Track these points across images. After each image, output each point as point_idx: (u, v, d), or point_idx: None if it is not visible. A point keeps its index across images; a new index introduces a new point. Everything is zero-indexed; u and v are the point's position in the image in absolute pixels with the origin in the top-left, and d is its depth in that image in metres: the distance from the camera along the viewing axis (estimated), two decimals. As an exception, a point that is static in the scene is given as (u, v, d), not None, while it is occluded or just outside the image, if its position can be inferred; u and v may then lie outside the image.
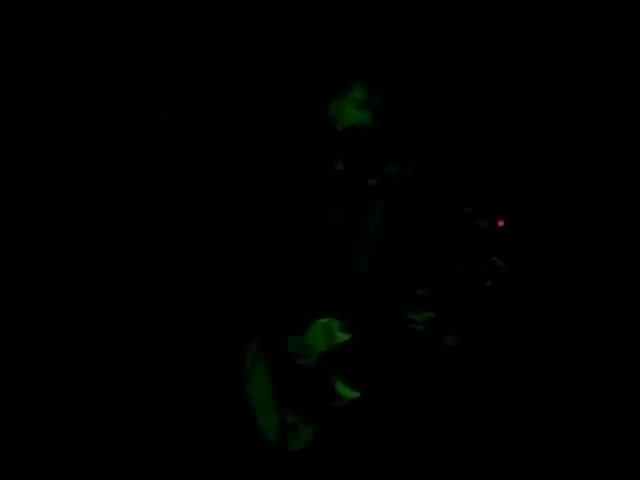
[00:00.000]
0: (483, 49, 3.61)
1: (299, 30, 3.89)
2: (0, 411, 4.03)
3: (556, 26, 3.55)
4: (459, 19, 3.68)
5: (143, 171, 4.10)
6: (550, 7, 3.61)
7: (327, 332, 2.81)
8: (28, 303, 4.09)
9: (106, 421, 4.05)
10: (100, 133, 4.06)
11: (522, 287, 3.41)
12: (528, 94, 3.59)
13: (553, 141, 3.58)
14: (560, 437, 3.74)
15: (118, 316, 4.12)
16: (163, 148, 4.10)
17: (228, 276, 4.04)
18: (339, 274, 2.86)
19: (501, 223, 3.16)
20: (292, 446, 2.84)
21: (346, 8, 3.84)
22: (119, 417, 4.05)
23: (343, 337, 2.79)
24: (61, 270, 4.12)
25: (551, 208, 3.54)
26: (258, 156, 3.93)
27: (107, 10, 3.98)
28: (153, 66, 4.02)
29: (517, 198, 3.54)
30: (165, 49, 4.02)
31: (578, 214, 3.53)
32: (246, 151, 4.02)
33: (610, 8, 3.59)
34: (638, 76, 3.59)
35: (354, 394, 2.78)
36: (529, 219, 3.51)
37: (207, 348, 4.09)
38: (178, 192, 4.14)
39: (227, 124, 4.09)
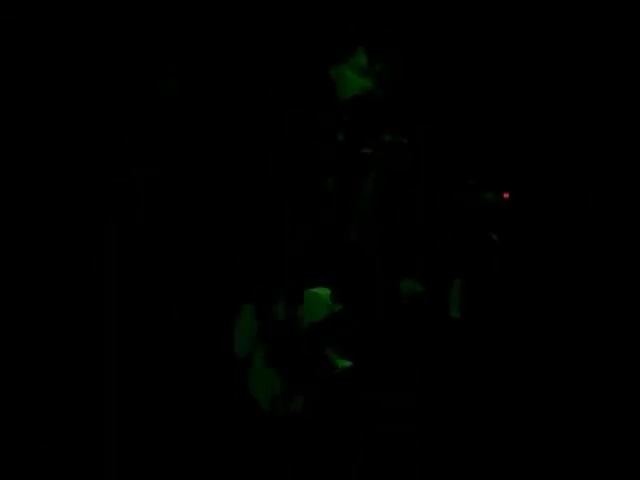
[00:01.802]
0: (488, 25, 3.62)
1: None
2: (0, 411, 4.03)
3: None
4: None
5: (143, 171, 4.12)
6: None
7: (319, 301, 2.81)
8: (28, 303, 4.09)
9: (106, 418, 4.03)
10: (100, 133, 4.10)
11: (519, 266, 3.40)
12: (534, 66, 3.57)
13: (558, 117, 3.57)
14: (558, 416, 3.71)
15: (118, 316, 4.12)
16: (163, 147, 4.13)
17: (225, 265, 4.04)
18: (332, 243, 2.85)
19: (506, 195, 3.14)
20: (283, 414, 2.82)
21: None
22: (119, 412, 4.03)
23: (335, 306, 2.78)
24: (61, 270, 4.13)
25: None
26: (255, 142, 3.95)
27: (108, 10, 4.03)
28: (153, 65, 4.07)
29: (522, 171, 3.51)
30: (164, 48, 4.06)
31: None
32: (245, 142, 4.04)
33: (610, 8, 3.62)
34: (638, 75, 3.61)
35: (346, 363, 2.76)
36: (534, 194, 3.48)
37: (205, 335, 4.08)
38: (178, 191, 4.16)
39: (226, 122, 4.12)
